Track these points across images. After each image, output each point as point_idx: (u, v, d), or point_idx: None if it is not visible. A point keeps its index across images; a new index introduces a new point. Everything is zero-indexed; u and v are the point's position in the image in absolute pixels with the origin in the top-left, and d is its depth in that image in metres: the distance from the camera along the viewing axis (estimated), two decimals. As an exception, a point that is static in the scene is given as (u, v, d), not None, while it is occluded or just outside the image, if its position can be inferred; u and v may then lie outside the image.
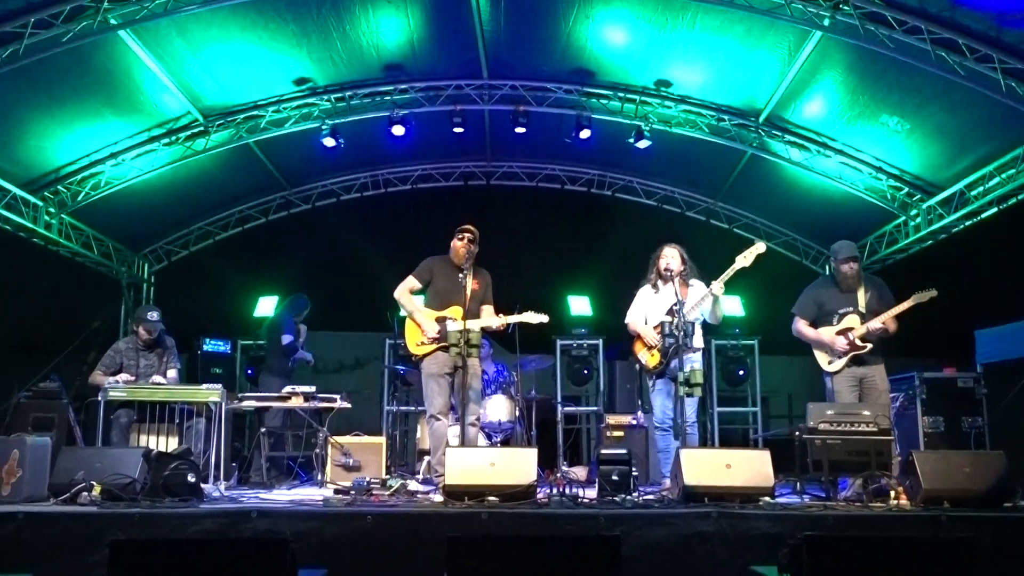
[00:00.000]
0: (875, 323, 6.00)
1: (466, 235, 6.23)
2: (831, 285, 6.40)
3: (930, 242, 9.20)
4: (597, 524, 4.50)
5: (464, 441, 6.00)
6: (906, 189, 9.02)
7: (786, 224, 11.01)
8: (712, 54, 8.07)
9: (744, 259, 6.07)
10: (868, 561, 3.13)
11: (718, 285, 6.06)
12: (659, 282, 6.39)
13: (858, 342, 6.07)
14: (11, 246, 8.73)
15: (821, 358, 6.30)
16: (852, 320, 6.14)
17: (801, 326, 6.40)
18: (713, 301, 6.16)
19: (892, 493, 5.17)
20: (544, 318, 6.25)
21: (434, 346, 6.12)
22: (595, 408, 9.51)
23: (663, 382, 6.25)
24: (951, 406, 7.66)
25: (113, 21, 6.85)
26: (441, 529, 4.23)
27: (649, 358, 6.30)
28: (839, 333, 6.16)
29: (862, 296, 6.18)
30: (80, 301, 9.85)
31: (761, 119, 8.91)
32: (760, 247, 6.12)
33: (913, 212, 9.11)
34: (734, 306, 9.79)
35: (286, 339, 8.25)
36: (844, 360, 6.13)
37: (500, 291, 6.45)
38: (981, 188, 8.13)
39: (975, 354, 7.90)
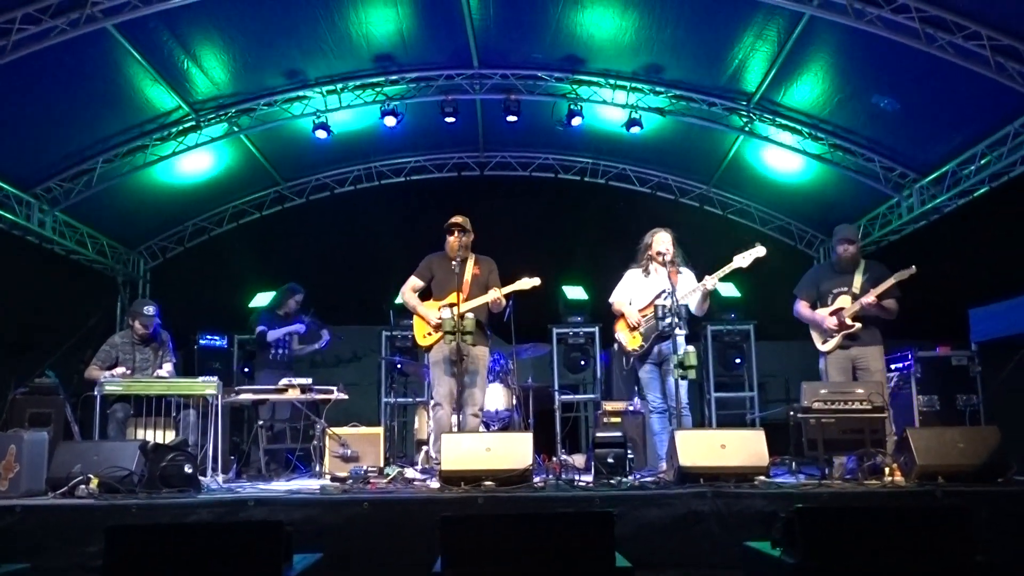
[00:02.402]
0: (865, 299, 6.02)
1: (454, 229, 6.28)
2: (830, 267, 6.49)
3: (923, 222, 9.18)
4: (593, 506, 4.52)
5: (461, 429, 6.01)
6: (899, 170, 8.99)
7: (780, 209, 10.99)
8: (702, 37, 8.04)
9: (743, 259, 6.08)
10: (861, 532, 3.14)
11: (712, 280, 6.06)
12: (650, 266, 6.38)
13: (848, 321, 6.10)
14: (5, 245, 8.71)
15: (816, 338, 6.36)
16: (844, 300, 6.19)
17: (801, 307, 6.46)
18: (703, 295, 6.16)
19: (887, 470, 5.20)
20: (536, 281, 6.24)
21: (437, 335, 6.18)
22: (592, 396, 9.51)
23: (651, 366, 6.26)
24: (946, 384, 7.67)
25: (100, 15, 6.80)
26: (436, 514, 4.23)
27: (630, 340, 6.29)
28: (831, 313, 6.20)
29: (858, 278, 6.22)
30: (76, 300, 9.81)
31: (752, 103, 8.89)
32: (760, 251, 6.11)
33: (906, 193, 9.09)
34: (729, 287, 9.75)
35: (259, 329, 8.28)
36: (835, 340, 6.17)
37: (495, 281, 6.44)
38: (973, 167, 8.10)
39: (969, 332, 7.90)
